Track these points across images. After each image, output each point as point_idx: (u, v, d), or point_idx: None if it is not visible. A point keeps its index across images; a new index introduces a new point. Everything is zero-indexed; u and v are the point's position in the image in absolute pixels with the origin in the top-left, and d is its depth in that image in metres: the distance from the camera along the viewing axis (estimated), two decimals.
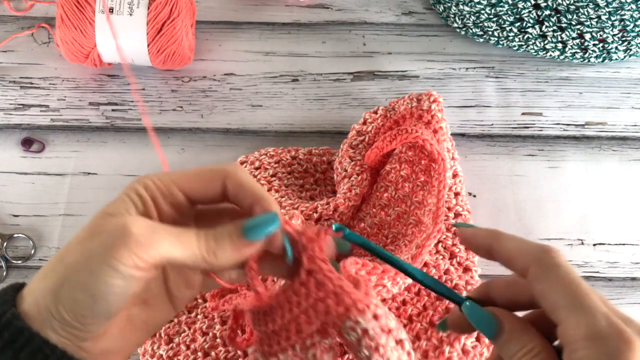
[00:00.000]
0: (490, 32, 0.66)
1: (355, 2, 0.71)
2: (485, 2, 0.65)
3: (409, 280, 0.48)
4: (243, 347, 0.43)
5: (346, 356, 0.47)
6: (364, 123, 0.58)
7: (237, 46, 0.68)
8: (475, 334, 0.48)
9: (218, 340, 0.50)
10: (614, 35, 0.64)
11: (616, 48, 0.65)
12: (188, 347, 0.51)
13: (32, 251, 0.57)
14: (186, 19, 0.61)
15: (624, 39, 0.64)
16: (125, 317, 0.33)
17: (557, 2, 0.63)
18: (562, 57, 0.66)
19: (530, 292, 0.33)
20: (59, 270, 0.30)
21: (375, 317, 0.33)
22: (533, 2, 0.64)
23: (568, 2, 0.63)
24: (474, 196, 0.60)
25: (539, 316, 0.34)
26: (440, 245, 0.53)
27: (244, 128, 0.64)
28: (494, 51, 0.68)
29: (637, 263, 0.58)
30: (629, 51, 0.65)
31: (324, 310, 0.32)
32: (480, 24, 0.66)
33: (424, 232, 0.51)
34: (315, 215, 0.54)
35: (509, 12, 0.65)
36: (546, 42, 0.65)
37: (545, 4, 0.64)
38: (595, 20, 0.63)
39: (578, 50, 0.65)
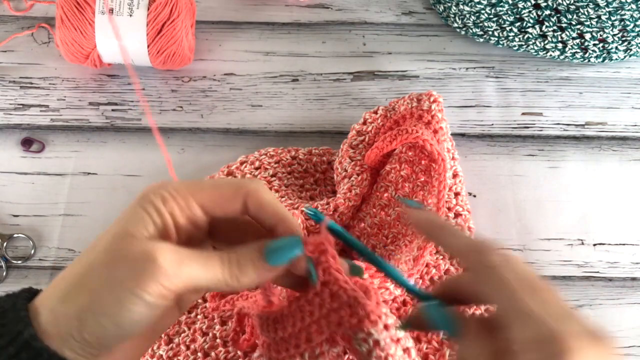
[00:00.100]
0: (490, 32, 0.66)
1: (355, 2, 0.71)
2: (485, 2, 0.65)
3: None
4: (244, 348, 0.43)
5: (346, 356, 0.47)
6: (364, 123, 0.58)
7: (237, 46, 0.68)
8: None
9: (218, 340, 0.50)
10: (614, 35, 0.64)
11: (616, 48, 0.65)
12: (188, 348, 0.51)
13: (32, 251, 0.57)
14: (186, 19, 0.61)
15: (624, 39, 0.64)
16: None
17: (557, 2, 0.63)
18: (562, 57, 0.65)
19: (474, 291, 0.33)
20: (84, 296, 0.30)
21: (386, 327, 0.33)
22: (533, 2, 0.64)
23: (568, 2, 0.63)
24: (474, 196, 0.60)
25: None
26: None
27: (244, 128, 0.64)
28: (494, 51, 0.68)
29: (637, 263, 0.58)
30: (629, 51, 0.65)
31: (337, 322, 0.32)
32: (481, 24, 0.66)
33: None
34: None
35: (509, 12, 0.65)
36: (546, 42, 0.65)
37: (545, 4, 0.64)
38: (596, 20, 0.63)
39: (578, 50, 0.65)
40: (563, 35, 0.64)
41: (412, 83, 0.66)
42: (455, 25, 0.68)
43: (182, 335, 0.51)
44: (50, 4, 0.69)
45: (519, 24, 0.65)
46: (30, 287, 0.33)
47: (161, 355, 0.51)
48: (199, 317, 0.52)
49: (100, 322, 0.30)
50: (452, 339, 0.32)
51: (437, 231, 0.34)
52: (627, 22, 0.63)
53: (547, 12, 0.64)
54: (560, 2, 0.63)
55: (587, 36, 0.64)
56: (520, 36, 0.65)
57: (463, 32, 0.68)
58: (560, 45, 0.65)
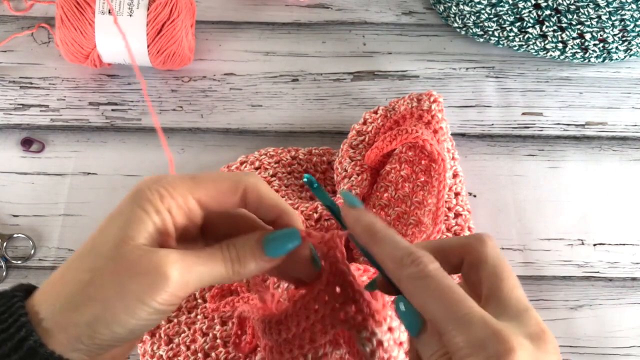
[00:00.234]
0: (490, 32, 0.66)
1: (355, 2, 0.71)
2: (485, 2, 0.65)
3: None
4: (246, 351, 0.43)
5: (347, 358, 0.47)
6: (364, 123, 0.58)
7: (237, 46, 0.68)
8: None
9: (218, 340, 0.50)
10: (614, 35, 0.64)
11: (616, 48, 0.65)
12: (188, 348, 0.51)
13: (32, 251, 0.57)
14: (186, 19, 0.61)
15: (624, 38, 0.64)
16: None
17: (557, 2, 0.63)
18: (562, 57, 0.65)
19: (459, 257, 0.33)
20: (95, 306, 0.30)
21: (390, 329, 0.33)
22: (533, 2, 0.64)
23: (568, 2, 0.63)
24: (474, 196, 0.60)
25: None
26: None
27: (244, 128, 0.64)
28: (494, 51, 0.68)
29: (637, 263, 0.58)
30: (629, 51, 0.65)
31: (342, 318, 0.32)
32: (481, 24, 0.66)
33: (424, 233, 0.51)
34: (316, 215, 0.54)
35: (509, 12, 0.65)
36: (546, 42, 0.65)
37: (545, 3, 0.64)
38: (596, 20, 0.63)
39: (578, 50, 0.65)
40: (563, 35, 0.64)
41: (412, 83, 0.66)
42: (455, 25, 0.68)
43: (182, 335, 0.51)
44: (50, 4, 0.69)
45: (519, 24, 0.65)
46: (20, 284, 0.33)
47: (161, 356, 0.51)
48: (199, 317, 0.52)
49: (112, 329, 0.30)
50: (414, 336, 0.32)
51: (365, 237, 0.33)
52: (628, 22, 0.63)
53: (547, 12, 0.64)
54: (561, 2, 0.63)
55: (587, 36, 0.64)
56: (521, 36, 0.65)
57: (463, 32, 0.68)
58: (560, 45, 0.65)
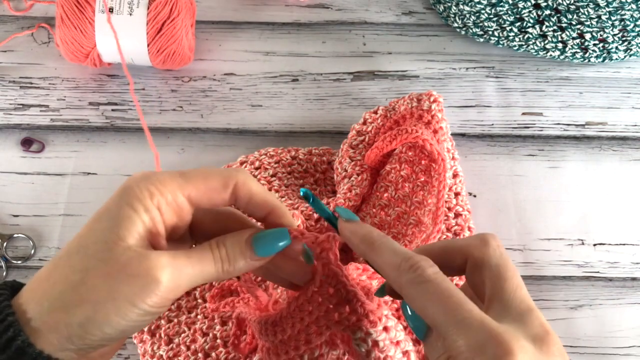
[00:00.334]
0: (490, 32, 0.66)
1: (355, 2, 0.71)
2: (485, 2, 0.65)
3: None
4: (246, 351, 0.43)
5: (346, 357, 0.47)
6: (364, 123, 0.58)
7: (237, 46, 0.68)
8: None
9: (218, 341, 0.50)
10: (614, 35, 0.64)
11: (616, 48, 0.65)
12: (188, 348, 0.51)
13: (32, 251, 0.57)
14: (186, 18, 0.61)
15: (624, 38, 0.64)
16: None
17: (557, 2, 0.63)
18: (562, 57, 0.65)
19: (463, 258, 0.33)
20: (86, 307, 0.30)
21: (386, 329, 0.33)
22: (533, 2, 0.64)
23: (568, 2, 0.63)
24: (474, 196, 0.60)
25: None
26: None
27: (244, 128, 0.64)
28: (494, 51, 0.68)
29: (637, 263, 0.58)
30: (629, 51, 0.65)
31: (337, 319, 0.32)
32: (481, 24, 0.66)
33: (424, 233, 0.51)
34: (316, 215, 0.54)
35: (509, 12, 0.65)
36: (546, 42, 0.65)
37: (545, 3, 0.64)
38: (596, 20, 0.63)
39: (578, 50, 0.65)
40: (563, 35, 0.64)
41: (412, 83, 0.66)
42: (455, 25, 0.68)
43: (183, 335, 0.51)
44: (50, 3, 0.69)
45: (519, 23, 0.65)
46: (5, 281, 0.33)
47: (161, 356, 0.51)
48: (199, 317, 0.52)
49: (103, 330, 0.30)
50: (421, 339, 0.32)
51: (363, 247, 0.33)
52: (627, 22, 0.63)
53: (547, 12, 0.64)
54: (561, 2, 0.63)
55: (587, 36, 0.64)
56: (521, 36, 0.65)
57: (463, 32, 0.68)
58: (560, 45, 0.65)
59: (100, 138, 0.63)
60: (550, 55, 0.65)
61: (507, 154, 0.63)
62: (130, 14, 0.59)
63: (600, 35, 0.64)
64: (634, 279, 0.57)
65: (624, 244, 0.59)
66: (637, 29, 0.64)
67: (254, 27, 0.69)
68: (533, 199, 0.60)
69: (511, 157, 0.62)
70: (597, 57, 0.65)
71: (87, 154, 0.62)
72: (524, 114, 0.65)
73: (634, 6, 0.62)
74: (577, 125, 0.64)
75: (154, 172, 0.33)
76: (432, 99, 0.55)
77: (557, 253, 0.58)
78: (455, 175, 0.57)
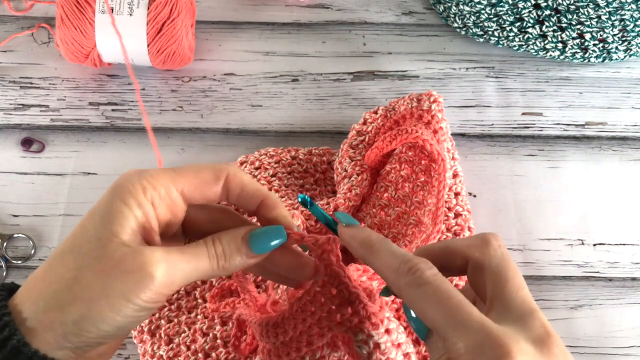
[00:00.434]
0: (490, 32, 0.66)
1: (355, 2, 0.71)
2: (485, 2, 0.65)
3: None
4: (246, 352, 0.43)
5: (346, 359, 0.47)
6: (364, 123, 0.58)
7: (237, 46, 0.68)
8: None
9: (219, 341, 0.50)
10: (614, 35, 0.64)
11: (616, 48, 0.65)
12: (188, 348, 0.51)
13: (32, 251, 0.57)
14: (186, 19, 0.61)
15: (624, 38, 0.64)
16: None
17: (557, 2, 0.63)
18: (562, 57, 0.65)
19: (464, 259, 0.33)
20: (81, 305, 0.30)
21: (388, 331, 0.33)
22: (533, 2, 0.64)
23: (568, 2, 0.63)
24: (474, 196, 0.60)
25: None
26: None
27: (244, 128, 0.64)
28: (494, 51, 0.68)
29: (637, 263, 0.58)
30: (629, 51, 0.65)
31: (339, 320, 0.32)
32: (481, 24, 0.66)
33: (424, 233, 0.51)
34: None
35: (509, 12, 0.65)
36: (546, 42, 0.65)
37: (545, 3, 0.64)
38: (596, 20, 0.63)
39: (578, 50, 0.65)
40: (563, 35, 0.64)
41: (412, 83, 0.66)
42: (455, 25, 0.68)
43: (183, 335, 0.51)
44: (50, 3, 0.69)
45: (519, 24, 0.65)
46: (2, 283, 0.33)
47: (161, 356, 0.51)
48: (199, 317, 0.52)
49: (98, 327, 0.30)
50: (422, 339, 0.32)
51: (367, 255, 0.34)
52: (627, 22, 0.63)
53: (547, 12, 0.64)
54: (561, 2, 0.63)
55: (587, 36, 0.64)
56: (520, 36, 0.65)
57: (463, 32, 0.68)
58: (560, 45, 0.65)
59: (100, 138, 0.63)
60: (550, 55, 0.66)
61: (507, 154, 0.63)
62: (131, 15, 0.59)
63: (600, 36, 0.64)
64: (633, 279, 0.57)
65: (623, 244, 0.59)
66: (637, 29, 0.64)
67: (254, 27, 0.69)
68: (533, 199, 0.60)
69: (511, 157, 0.62)
70: (597, 57, 0.65)
71: (87, 154, 0.62)
72: (524, 114, 0.65)
73: (634, 6, 0.63)
74: (577, 125, 0.64)
75: (147, 169, 0.33)
76: (432, 99, 0.55)
77: (557, 253, 0.58)
78: (455, 175, 0.57)
